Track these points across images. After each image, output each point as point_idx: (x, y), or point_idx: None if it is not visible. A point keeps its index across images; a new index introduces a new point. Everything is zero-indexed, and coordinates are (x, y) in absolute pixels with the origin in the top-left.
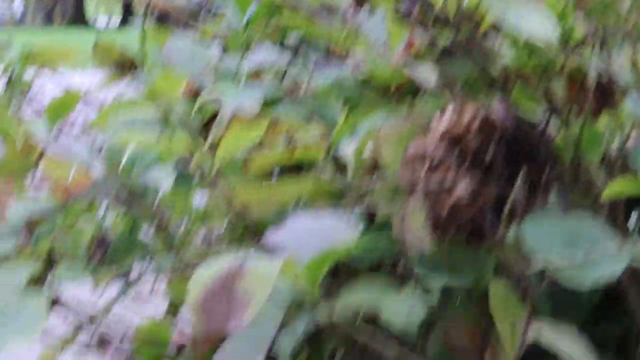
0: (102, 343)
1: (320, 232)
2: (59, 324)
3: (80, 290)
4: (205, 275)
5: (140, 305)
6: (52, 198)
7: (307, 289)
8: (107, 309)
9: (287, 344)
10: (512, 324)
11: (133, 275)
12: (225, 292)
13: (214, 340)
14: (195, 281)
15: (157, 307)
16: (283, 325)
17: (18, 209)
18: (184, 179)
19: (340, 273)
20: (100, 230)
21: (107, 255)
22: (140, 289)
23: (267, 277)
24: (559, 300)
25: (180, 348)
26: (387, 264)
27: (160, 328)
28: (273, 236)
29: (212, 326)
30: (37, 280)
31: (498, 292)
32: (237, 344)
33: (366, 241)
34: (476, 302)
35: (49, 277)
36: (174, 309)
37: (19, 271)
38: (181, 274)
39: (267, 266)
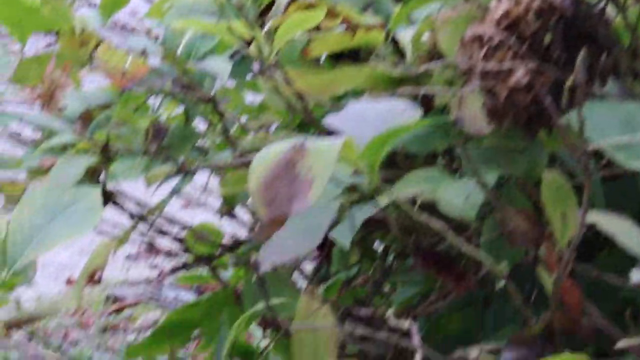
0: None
1: (379, 116)
2: (114, 219)
3: (135, 189)
4: (266, 158)
5: (193, 207)
6: (108, 89)
7: (366, 173)
8: (162, 206)
9: (345, 235)
10: (563, 214)
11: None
12: (287, 173)
13: (279, 224)
14: (256, 164)
15: (210, 210)
16: (339, 217)
17: (74, 100)
18: (241, 68)
19: (396, 164)
20: (156, 121)
21: (163, 148)
22: (193, 191)
23: (328, 155)
24: (613, 191)
25: (232, 248)
26: (443, 157)
27: (213, 228)
28: (331, 120)
29: (276, 209)
30: (93, 175)
31: (550, 181)
32: (291, 233)
33: (424, 127)
34: (531, 191)
35: (104, 174)
36: (227, 207)
37: (76, 163)
38: (236, 169)
39: (328, 145)
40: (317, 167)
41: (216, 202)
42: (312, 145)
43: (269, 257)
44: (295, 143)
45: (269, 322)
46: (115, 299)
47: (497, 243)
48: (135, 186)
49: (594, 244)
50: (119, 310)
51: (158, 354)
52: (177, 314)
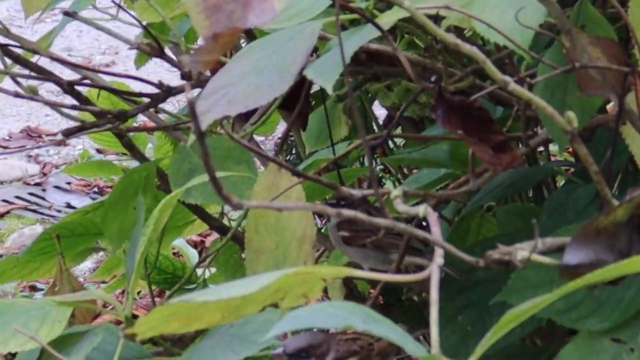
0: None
1: None
2: None
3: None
4: None
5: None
6: None
7: None
8: (48, 41)
9: (328, 72)
10: None
11: None
12: None
13: (226, 44)
14: None
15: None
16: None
17: None
18: None
19: None
20: None
21: None
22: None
23: None
24: None
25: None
26: None
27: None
28: None
29: (223, 20)
30: None
31: None
32: (247, 69)
33: None
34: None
35: None
36: (153, 45)
37: None
38: None
39: None
40: None
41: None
42: None
43: (212, 107)
44: None
45: (207, 220)
46: None
47: (561, 87)
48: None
49: None
50: None
51: (39, 275)
52: (70, 220)
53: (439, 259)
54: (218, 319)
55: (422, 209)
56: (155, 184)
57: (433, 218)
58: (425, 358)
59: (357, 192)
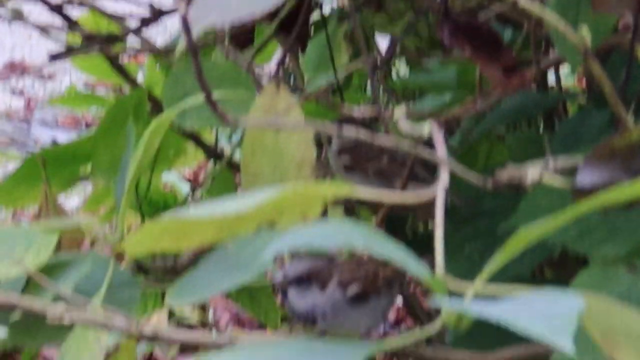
0: None
1: None
2: None
3: None
4: None
5: None
6: None
7: None
8: None
9: None
10: None
11: None
12: None
13: None
14: None
15: None
16: None
17: None
18: None
19: None
20: None
21: None
22: None
23: None
24: None
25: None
26: None
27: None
28: None
29: None
30: None
31: None
32: None
33: None
34: None
35: None
36: None
37: None
38: None
39: None
40: None
41: None
42: None
43: (204, 15)
44: None
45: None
46: None
47: (574, 6)
48: None
49: None
50: None
51: (24, 203)
52: (57, 149)
53: (444, 177)
54: (210, 236)
55: (426, 126)
56: (147, 111)
57: (439, 136)
58: (429, 280)
59: (359, 111)
